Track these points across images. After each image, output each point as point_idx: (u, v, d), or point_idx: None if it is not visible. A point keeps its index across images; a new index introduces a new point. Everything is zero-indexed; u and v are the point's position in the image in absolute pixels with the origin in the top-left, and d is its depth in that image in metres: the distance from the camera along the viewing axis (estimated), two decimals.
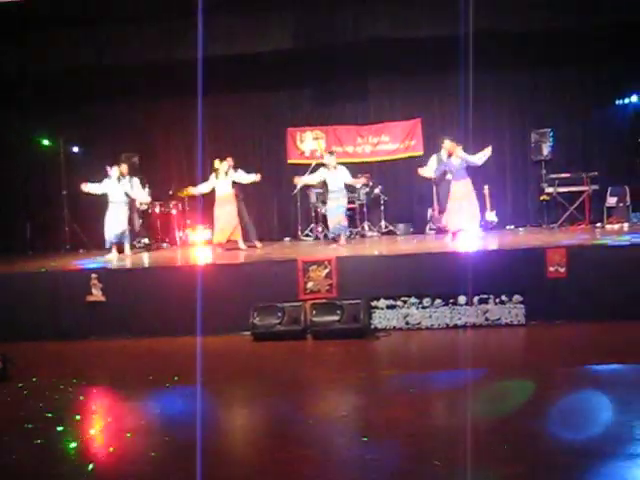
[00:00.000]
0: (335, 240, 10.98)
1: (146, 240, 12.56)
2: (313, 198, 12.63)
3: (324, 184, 11.35)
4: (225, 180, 10.85)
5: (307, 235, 12.86)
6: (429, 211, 12.57)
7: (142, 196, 11.53)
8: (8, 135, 13.37)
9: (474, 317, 8.13)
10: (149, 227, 12.83)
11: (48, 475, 4.33)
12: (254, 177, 10.93)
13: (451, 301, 8.16)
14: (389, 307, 8.25)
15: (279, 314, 8.12)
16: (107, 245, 10.81)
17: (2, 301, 8.84)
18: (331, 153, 11.33)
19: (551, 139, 12.46)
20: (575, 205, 12.19)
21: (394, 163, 13.34)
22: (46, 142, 13.38)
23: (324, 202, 12.57)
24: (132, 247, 11.27)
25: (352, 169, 13.05)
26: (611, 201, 12.10)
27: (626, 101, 12.31)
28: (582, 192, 12.16)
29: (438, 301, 8.19)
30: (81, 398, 6.12)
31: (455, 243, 10.10)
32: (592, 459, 4.10)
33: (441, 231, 11.88)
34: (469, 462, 4.00)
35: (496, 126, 12.96)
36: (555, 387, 5.70)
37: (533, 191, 12.92)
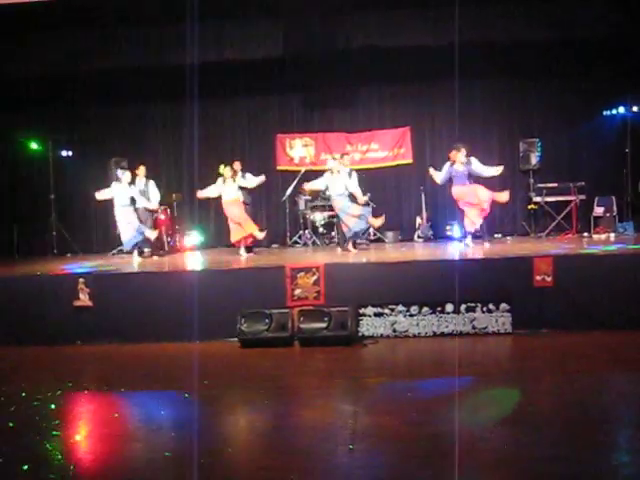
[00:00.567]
0: (356, 245, 10.95)
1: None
2: (302, 205, 12.64)
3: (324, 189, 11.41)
4: (232, 186, 10.89)
5: (296, 242, 12.86)
6: (417, 219, 12.61)
7: (154, 201, 11.57)
8: None
9: (461, 325, 8.16)
10: None
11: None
12: (261, 179, 11.11)
13: (438, 309, 8.18)
14: (377, 315, 8.26)
15: (266, 320, 8.10)
16: (127, 249, 11.02)
17: None
18: (334, 158, 11.34)
19: (539, 149, 12.55)
20: (562, 215, 12.27)
21: (383, 171, 13.38)
22: (35, 146, 13.33)
23: (313, 209, 12.60)
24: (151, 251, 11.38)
25: None
26: (598, 211, 12.18)
27: (613, 112, 12.41)
28: (569, 202, 12.24)
29: (425, 309, 8.20)
30: (65, 403, 6.08)
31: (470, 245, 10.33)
32: (577, 467, 4.11)
33: (429, 239, 11.93)
34: (455, 470, 4.00)
35: (485, 135, 13.04)
36: (541, 396, 5.72)
37: (521, 200, 12.98)
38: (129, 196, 10.90)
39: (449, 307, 8.14)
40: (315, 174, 12.72)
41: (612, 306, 7.92)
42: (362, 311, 8.25)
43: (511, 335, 8.04)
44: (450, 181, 10.56)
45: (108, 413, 5.85)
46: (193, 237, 12.71)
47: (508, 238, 12.57)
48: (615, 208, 12.04)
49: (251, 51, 11.57)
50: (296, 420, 5.43)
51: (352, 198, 10.87)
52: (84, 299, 8.66)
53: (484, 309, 8.12)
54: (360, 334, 8.19)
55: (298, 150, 13.56)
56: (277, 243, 13.23)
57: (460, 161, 10.36)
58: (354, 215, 10.71)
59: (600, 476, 4.00)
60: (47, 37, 11.55)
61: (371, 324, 8.26)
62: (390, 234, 12.84)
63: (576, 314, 8.06)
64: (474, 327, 8.14)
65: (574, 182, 12.22)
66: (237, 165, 11.36)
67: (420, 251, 10.77)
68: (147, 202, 11.39)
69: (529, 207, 12.64)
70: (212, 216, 13.14)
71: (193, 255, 11.77)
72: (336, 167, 10.89)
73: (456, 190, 10.42)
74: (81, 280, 8.72)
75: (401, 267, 8.83)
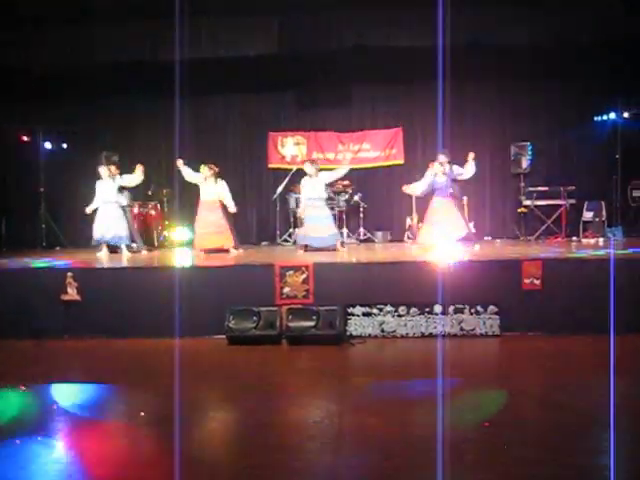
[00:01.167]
0: (335, 249, 10.91)
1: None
2: (292, 203, 12.63)
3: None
4: (213, 186, 10.84)
5: (285, 240, 12.85)
6: (407, 220, 12.62)
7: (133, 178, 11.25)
8: None
9: (449, 327, 8.18)
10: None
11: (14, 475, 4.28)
12: (233, 207, 10.90)
13: (427, 310, 8.20)
14: (365, 314, 8.27)
15: (255, 318, 8.10)
16: (94, 243, 10.89)
17: None
18: (311, 162, 11.33)
19: (530, 153, 12.59)
20: (552, 219, 12.33)
21: (374, 171, 13.40)
22: (25, 138, 13.26)
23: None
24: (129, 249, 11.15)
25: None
26: (587, 215, 12.25)
27: (604, 117, 12.46)
28: (559, 206, 12.30)
29: (414, 310, 8.22)
30: (51, 397, 6.06)
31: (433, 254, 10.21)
32: (564, 470, 4.13)
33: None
34: (441, 471, 4.01)
35: (476, 138, 13.04)
36: (527, 398, 5.74)
37: (511, 203, 13.04)
38: (113, 190, 10.86)
39: (437, 308, 8.15)
40: (306, 173, 12.74)
41: (599, 310, 7.94)
42: (350, 310, 8.26)
43: (499, 337, 8.07)
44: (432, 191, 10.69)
45: (92, 408, 5.82)
46: (183, 233, 12.66)
47: (497, 241, 12.61)
48: (604, 213, 12.11)
49: (244, 49, 11.53)
50: (282, 418, 5.43)
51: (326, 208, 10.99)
52: (72, 293, 8.62)
53: (472, 311, 8.15)
54: (348, 333, 8.19)
55: (290, 148, 13.55)
56: (267, 241, 13.22)
57: (443, 172, 10.49)
58: (329, 231, 10.82)
59: (584, 478, 4.02)
60: (38, 31, 11.48)
61: (359, 324, 8.27)
62: (380, 234, 12.86)
63: (564, 317, 8.10)
64: (462, 329, 8.16)
65: (564, 186, 12.29)
66: (213, 167, 11.29)
67: (409, 252, 10.77)
68: (127, 181, 11.24)
69: (519, 210, 12.69)
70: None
71: (182, 251, 11.73)
72: (311, 171, 10.92)
73: (436, 202, 10.58)
74: (69, 274, 8.68)
75: (390, 268, 8.84)
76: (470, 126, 12.94)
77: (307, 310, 8.13)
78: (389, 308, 8.24)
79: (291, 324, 8.04)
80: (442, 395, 5.56)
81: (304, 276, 8.51)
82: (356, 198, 12.73)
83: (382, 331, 8.25)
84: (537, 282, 8.23)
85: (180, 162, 10.92)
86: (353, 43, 11.45)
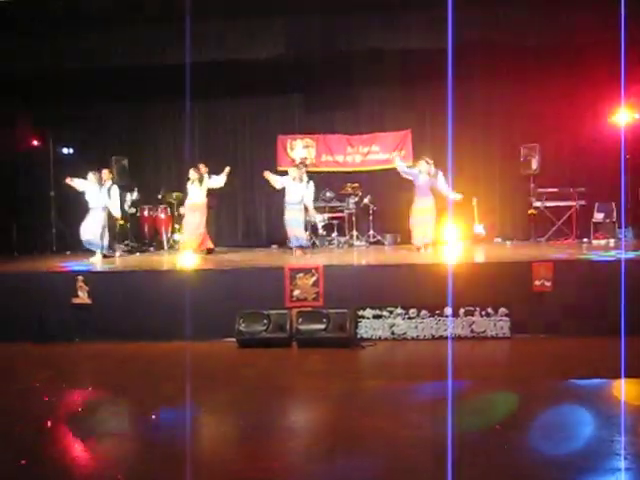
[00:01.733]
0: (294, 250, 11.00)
1: (134, 244, 12.59)
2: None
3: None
4: (199, 188, 10.91)
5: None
6: None
7: (114, 208, 11.09)
8: None
9: (460, 329, 8.16)
10: (137, 230, 12.85)
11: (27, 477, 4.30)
12: (225, 173, 11.08)
13: (437, 312, 8.18)
14: (375, 317, 8.26)
15: (265, 321, 8.11)
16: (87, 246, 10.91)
17: None
18: (298, 166, 11.42)
19: (540, 154, 12.53)
20: (562, 220, 12.27)
21: (384, 173, 13.36)
22: (35, 142, 13.32)
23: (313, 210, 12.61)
24: (104, 256, 10.92)
25: (342, 178, 13.17)
26: (598, 217, 12.19)
27: (615, 118, 12.39)
28: (569, 207, 12.25)
29: (424, 312, 8.20)
30: (62, 401, 6.08)
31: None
32: (573, 473, 4.11)
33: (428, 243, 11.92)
34: (451, 475, 4.00)
35: (486, 139, 13.04)
36: (538, 401, 5.72)
37: (521, 205, 12.98)
38: (99, 197, 10.79)
39: (448, 310, 8.13)
40: (316, 175, 12.75)
41: (610, 312, 7.91)
42: (361, 313, 8.25)
43: (509, 339, 8.05)
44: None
45: (103, 411, 5.84)
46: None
47: (508, 242, 12.58)
48: (615, 214, 12.05)
49: (253, 51, 11.53)
50: (293, 421, 5.43)
51: (299, 213, 11.02)
52: (83, 297, 8.65)
53: (483, 313, 8.13)
54: (358, 336, 8.18)
55: (299, 151, 13.56)
56: (276, 244, 13.22)
57: (428, 172, 10.64)
58: (297, 235, 10.93)
59: None
60: (49, 34, 11.52)
61: (369, 326, 8.26)
62: (389, 236, 12.84)
63: (575, 319, 8.07)
64: (472, 331, 8.14)
65: (574, 187, 12.23)
66: (202, 168, 11.35)
67: (419, 254, 10.75)
68: (110, 203, 11.04)
69: (529, 212, 12.63)
70: (212, 216, 13.14)
71: (191, 255, 11.74)
72: (295, 174, 10.97)
73: (418, 202, 10.72)
74: (80, 278, 8.71)
75: (400, 270, 8.83)
76: (480, 128, 12.91)
77: (317, 313, 8.13)
78: (399, 310, 8.23)
79: (301, 327, 8.04)
80: (453, 398, 5.55)
81: (314, 279, 8.51)
82: (366, 201, 12.72)
83: (392, 334, 8.24)
84: (548, 284, 8.20)
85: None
86: (361, 45, 11.45)
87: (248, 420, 5.40)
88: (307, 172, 12.11)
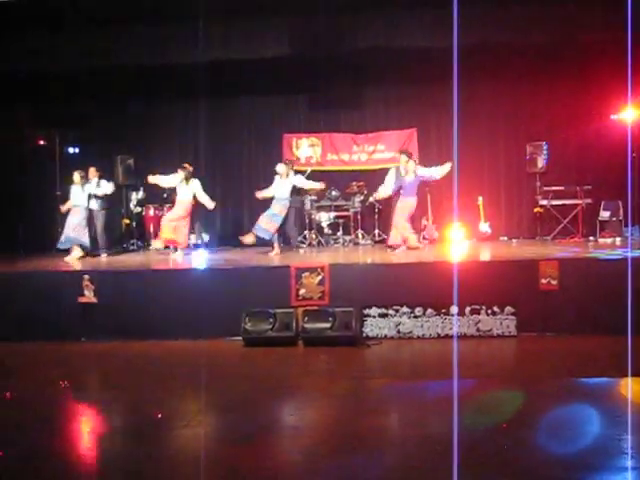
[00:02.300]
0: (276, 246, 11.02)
1: (139, 242, 12.62)
2: (307, 205, 12.63)
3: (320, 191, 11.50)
4: (186, 187, 10.91)
5: (301, 242, 12.84)
6: (423, 221, 12.58)
7: (105, 188, 11.32)
8: (1, 133, 13.31)
9: (465, 327, 8.15)
10: (142, 229, 12.87)
11: (33, 476, 4.30)
12: (208, 201, 10.97)
13: (443, 311, 8.17)
14: (381, 315, 8.25)
15: (271, 320, 8.11)
16: (61, 247, 11.01)
17: None
18: (286, 163, 11.47)
19: (546, 152, 12.50)
20: (568, 218, 12.24)
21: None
22: (41, 142, 13.35)
23: (318, 209, 12.61)
24: (86, 254, 11.01)
25: (347, 177, 13.16)
26: (604, 215, 12.15)
27: (621, 116, 12.35)
28: (576, 205, 12.21)
29: (430, 311, 8.19)
30: (68, 400, 6.10)
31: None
32: (580, 471, 4.10)
33: (434, 241, 11.92)
34: (457, 473, 3.99)
35: (491, 138, 13.01)
36: (544, 399, 5.71)
37: (527, 203, 12.95)
38: (84, 196, 10.97)
39: (454, 309, 8.12)
40: (321, 174, 12.74)
41: (617, 310, 7.88)
42: (366, 312, 8.25)
43: (515, 338, 8.04)
44: (399, 190, 10.87)
45: (108, 410, 5.85)
46: (199, 236, 12.69)
47: (514, 241, 12.55)
48: (621, 212, 12.01)
49: (257, 50, 11.54)
50: (298, 419, 5.43)
51: (280, 209, 10.95)
52: (89, 296, 8.67)
53: (489, 312, 8.12)
54: (364, 335, 8.18)
55: (304, 150, 13.55)
56: (282, 243, 13.20)
57: (412, 170, 10.66)
58: (267, 227, 10.86)
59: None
60: (56, 34, 11.55)
61: (375, 325, 8.26)
62: None
63: (581, 318, 8.05)
64: (478, 329, 8.13)
65: (580, 186, 12.20)
66: (188, 167, 11.35)
67: (425, 252, 10.74)
68: (100, 189, 11.24)
69: (535, 210, 12.60)
70: (218, 215, 13.16)
71: (198, 253, 11.76)
72: (285, 172, 10.99)
73: (406, 202, 10.71)
74: (86, 277, 8.73)
75: (406, 268, 8.83)
76: (485, 126, 12.87)
77: (323, 311, 8.13)
78: (405, 309, 8.22)
79: (307, 325, 8.04)
80: (459, 396, 5.55)
81: (320, 277, 8.51)
82: (371, 199, 12.71)
83: (398, 332, 8.23)
84: (554, 282, 8.18)
85: (151, 178, 11.14)
86: (366, 44, 11.43)
87: (254, 418, 5.40)
88: (312, 171, 12.13)
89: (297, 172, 11.66)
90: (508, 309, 8.10)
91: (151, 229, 12.76)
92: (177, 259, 10.69)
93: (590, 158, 12.58)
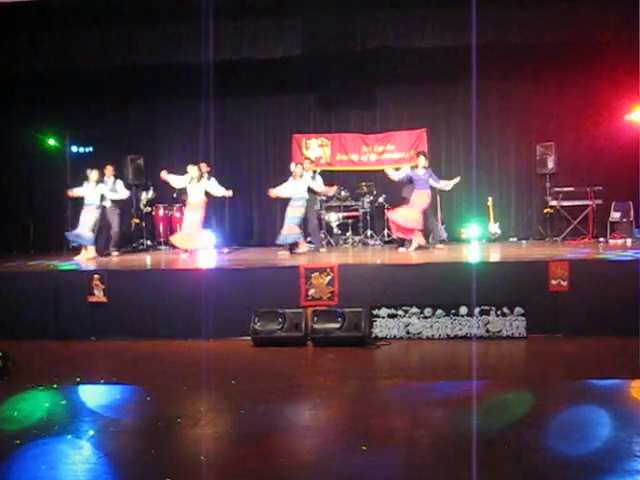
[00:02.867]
0: (286, 248, 11.00)
1: (148, 242, 12.66)
2: (317, 205, 12.63)
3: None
4: (197, 186, 10.88)
5: (310, 242, 12.83)
6: (432, 221, 12.55)
7: (121, 193, 11.53)
8: (13, 134, 13.38)
9: (475, 328, 8.12)
10: (152, 229, 12.91)
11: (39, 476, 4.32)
12: (224, 192, 10.93)
13: (452, 312, 8.15)
14: (390, 316, 8.24)
15: (280, 320, 8.11)
16: (74, 244, 11.20)
17: (4, 300, 8.85)
18: (296, 163, 11.49)
19: (556, 153, 12.46)
20: (579, 219, 12.20)
21: None
22: (52, 142, 13.41)
23: (328, 209, 12.61)
24: (99, 253, 11.10)
25: (357, 177, 13.18)
26: (615, 216, 12.12)
27: (632, 116, 12.30)
28: (586, 206, 12.17)
29: (439, 311, 8.17)
30: (78, 398, 6.12)
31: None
32: (590, 474, 4.09)
33: (444, 241, 11.89)
34: (467, 474, 3.99)
35: (501, 138, 13.00)
36: (555, 401, 5.69)
37: (537, 204, 12.92)
38: (97, 195, 10.97)
39: (463, 310, 8.11)
40: (330, 174, 12.75)
41: (627, 312, 7.86)
42: (376, 312, 8.24)
43: (525, 339, 8.00)
44: (410, 183, 10.90)
45: (118, 408, 5.86)
46: (207, 236, 12.69)
47: (524, 242, 12.52)
48: (632, 213, 11.97)
49: (268, 50, 11.56)
50: (308, 420, 5.43)
51: (300, 209, 11.04)
52: (99, 295, 8.70)
53: (498, 313, 8.09)
54: (373, 335, 8.17)
55: (314, 150, 13.56)
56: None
57: (423, 165, 10.71)
58: (290, 231, 10.95)
59: None
60: (65, 34, 11.59)
61: (384, 325, 8.25)
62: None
63: (591, 319, 8.02)
64: (488, 331, 8.11)
65: (591, 186, 12.16)
66: (203, 167, 11.33)
67: (434, 253, 10.72)
68: (115, 194, 11.40)
69: (545, 211, 12.57)
70: (227, 215, 13.18)
71: (207, 253, 11.78)
72: (298, 173, 11.03)
73: (420, 195, 10.71)
74: (96, 276, 8.76)
75: (415, 269, 8.82)
76: (495, 126, 12.87)
77: (332, 312, 8.12)
78: (414, 310, 8.21)
79: (316, 326, 8.03)
80: (469, 397, 5.54)
81: (329, 278, 8.50)
82: (380, 200, 12.71)
83: (407, 333, 8.22)
84: (564, 283, 8.15)
85: (164, 173, 11.05)
86: (376, 44, 11.44)
87: (263, 418, 5.40)
88: (322, 171, 12.14)
89: (314, 172, 11.67)
90: (518, 310, 8.07)
91: (160, 229, 12.80)
92: (187, 259, 10.69)
93: (600, 159, 12.55)
